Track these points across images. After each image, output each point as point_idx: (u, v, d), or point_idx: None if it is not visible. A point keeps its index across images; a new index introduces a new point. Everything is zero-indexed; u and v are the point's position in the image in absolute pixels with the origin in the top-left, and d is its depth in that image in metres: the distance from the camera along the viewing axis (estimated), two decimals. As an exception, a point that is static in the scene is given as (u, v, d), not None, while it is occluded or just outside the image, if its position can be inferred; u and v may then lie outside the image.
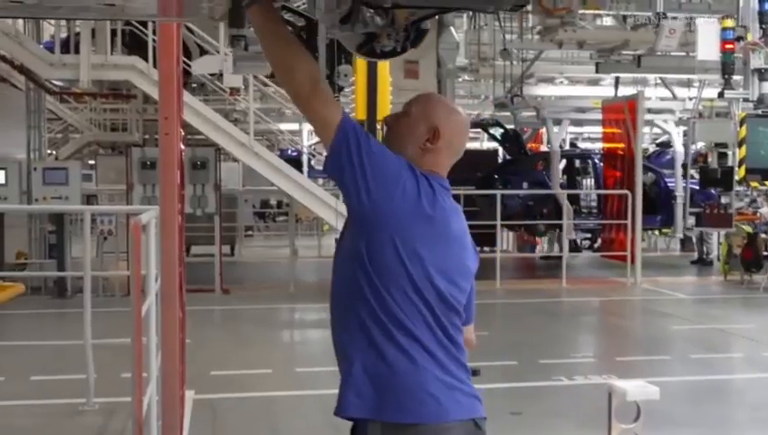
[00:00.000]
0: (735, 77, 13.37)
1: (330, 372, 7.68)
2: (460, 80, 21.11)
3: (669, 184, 16.33)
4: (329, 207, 12.19)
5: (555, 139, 16.17)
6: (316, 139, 23.28)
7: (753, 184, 14.44)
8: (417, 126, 2.59)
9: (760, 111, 13.50)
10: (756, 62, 13.04)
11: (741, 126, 13.78)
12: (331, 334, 2.64)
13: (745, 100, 13.45)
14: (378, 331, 2.46)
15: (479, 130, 19.83)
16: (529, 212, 15.66)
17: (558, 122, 16.29)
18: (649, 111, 16.51)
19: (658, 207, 16.29)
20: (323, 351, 9.28)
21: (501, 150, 21.84)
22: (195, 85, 13.84)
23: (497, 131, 17.96)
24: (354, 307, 2.49)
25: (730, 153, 14.77)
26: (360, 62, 4.99)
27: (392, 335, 2.46)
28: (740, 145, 13.99)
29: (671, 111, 16.78)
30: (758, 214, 15.56)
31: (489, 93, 24.05)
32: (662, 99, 18.20)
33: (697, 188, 15.96)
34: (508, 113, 17.43)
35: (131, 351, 4.09)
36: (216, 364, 8.12)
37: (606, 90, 20.25)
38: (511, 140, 17.36)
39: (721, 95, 13.56)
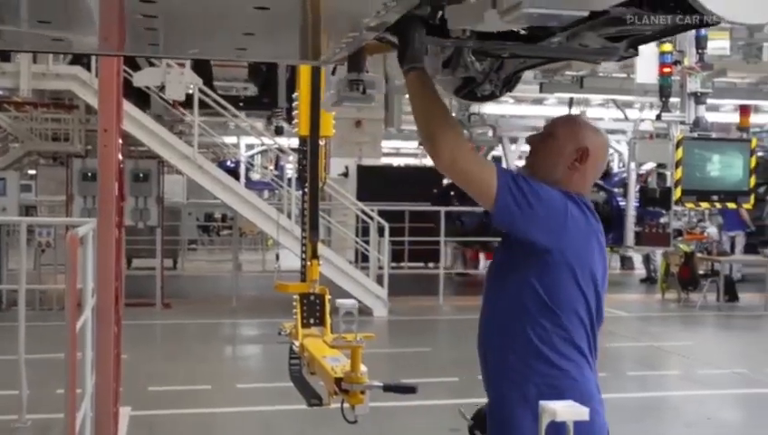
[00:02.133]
0: (673, 99, 13.69)
1: (271, 388, 7.65)
2: (407, 96, 21.23)
3: (621, 203, 16.63)
4: (271, 221, 12.12)
5: (511, 157, 16.39)
6: (255, 150, 23.09)
7: (689, 205, 14.76)
8: (565, 147, 2.66)
9: (696, 134, 13.84)
10: (693, 85, 13.39)
11: (677, 148, 14.08)
12: (483, 366, 2.74)
13: (682, 122, 13.79)
14: (553, 353, 2.55)
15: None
16: (485, 229, 15.74)
17: (514, 141, 16.50)
18: (602, 131, 16.77)
19: (611, 225, 16.56)
20: (264, 366, 9.23)
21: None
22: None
23: None
24: (524, 334, 2.57)
25: (668, 174, 15.09)
26: (303, 78, 4.98)
27: (566, 355, 2.57)
28: (677, 166, 14.30)
29: (623, 132, 17.10)
30: (705, 234, 15.88)
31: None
32: (615, 120, 18.53)
33: (648, 208, 16.26)
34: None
35: (65, 366, 4.02)
36: (155, 380, 8.00)
37: (550, 109, 20.56)
38: None
39: (658, 117, 13.87)
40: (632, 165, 16.05)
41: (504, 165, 16.28)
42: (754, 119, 20.96)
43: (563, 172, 2.64)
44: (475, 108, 17.57)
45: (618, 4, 1.88)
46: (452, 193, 16.81)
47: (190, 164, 12.26)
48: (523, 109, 21.64)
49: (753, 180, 15.03)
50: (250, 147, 23.12)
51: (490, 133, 17.71)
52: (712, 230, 16.17)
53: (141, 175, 12.65)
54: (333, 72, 3.28)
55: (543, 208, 2.50)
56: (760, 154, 18.68)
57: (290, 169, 14.60)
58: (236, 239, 14.78)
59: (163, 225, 13.06)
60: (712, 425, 7.17)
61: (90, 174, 12.17)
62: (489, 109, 18.97)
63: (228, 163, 21.96)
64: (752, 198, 15.20)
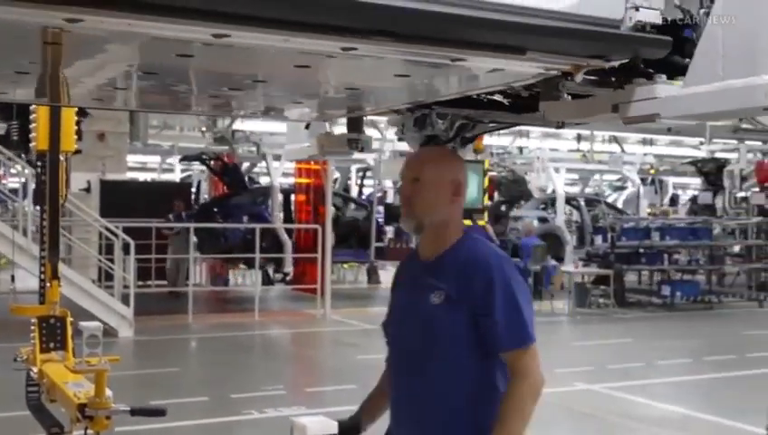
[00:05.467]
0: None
1: (6, 418, 7.12)
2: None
3: (380, 220, 17.23)
4: (4, 238, 11.30)
5: (274, 174, 16.47)
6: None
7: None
8: (441, 184, 2.62)
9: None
10: (434, 108, 14.21)
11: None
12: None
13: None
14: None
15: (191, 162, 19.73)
16: (248, 245, 15.63)
17: (277, 158, 16.59)
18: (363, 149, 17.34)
19: (370, 241, 17.08)
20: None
21: (198, 184, 21.69)
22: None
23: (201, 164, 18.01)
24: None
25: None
26: (43, 89, 4.72)
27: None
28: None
29: (381, 151, 17.74)
30: None
31: (190, 126, 23.79)
32: (376, 139, 19.18)
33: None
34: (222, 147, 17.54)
35: None
36: None
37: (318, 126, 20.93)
38: (231, 173, 17.38)
39: (401, 139, 14.57)
40: (376, 182, 16.74)
41: (276, 183, 16.43)
42: (496, 141, 22.65)
43: (446, 209, 2.64)
44: (238, 124, 17.56)
45: None
46: (215, 209, 16.63)
47: None
48: (280, 126, 21.82)
49: (486, 199, 16.14)
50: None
51: (253, 149, 17.74)
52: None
53: None
54: (307, 127, 3.69)
55: None
56: (503, 174, 20.15)
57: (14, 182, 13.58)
58: (-36, 259, 13.63)
59: None
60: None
61: None
62: (253, 126, 19.00)
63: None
64: (485, 214, 16.31)
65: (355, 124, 3.41)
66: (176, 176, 27.40)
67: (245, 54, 2.24)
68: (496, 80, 2.64)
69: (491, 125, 3.59)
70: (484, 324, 2.52)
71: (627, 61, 2.41)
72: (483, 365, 2.58)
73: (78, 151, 5.00)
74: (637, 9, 2.33)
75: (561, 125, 3.22)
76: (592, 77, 2.56)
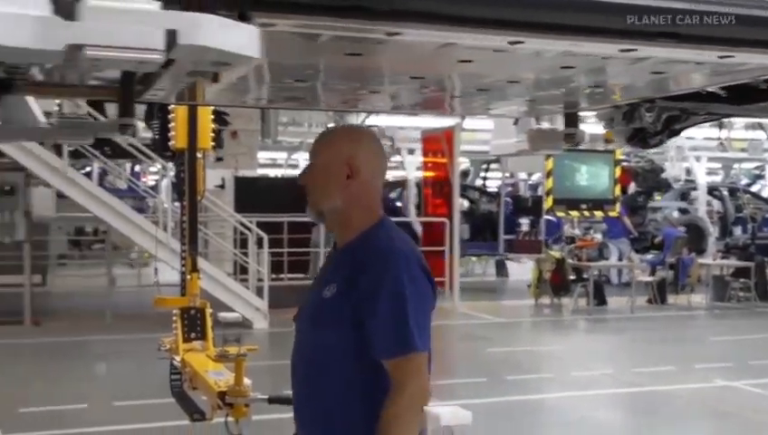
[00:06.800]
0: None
1: (150, 405, 7.47)
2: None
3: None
4: (148, 235, 11.82)
5: (409, 168, 16.59)
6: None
7: (560, 213, 15.30)
8: (330, 167, 2.37)
9: (566, 146, 14.40)
10: (562, 98, 13.93)
11: (548, 159, 14.60)
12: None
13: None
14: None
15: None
16: None
17: (411, 152, 16.73)
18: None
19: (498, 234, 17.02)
20: (142, 383, 8.97)
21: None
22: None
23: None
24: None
25: (539, 184, 15.65)
26: (182, 89, 4.91)
27: None
28: (547, 177, 14.83)
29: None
30: (593, 239, 16.48)
31: (318, 123, 24.22)
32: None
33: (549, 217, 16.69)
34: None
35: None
36: (26, 401, 7.67)
37: (426, 120, 20.92)
38: None
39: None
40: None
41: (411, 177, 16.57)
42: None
43: (341, 195, 2.37)
44: (372, 120, 17.79)
45: None
46: None
47: (59, 176, 11.83)
48: (419, 121, 21.86)
49: (617, 189, 15.74)
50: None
51: (388, 144, 17.92)
52: (598, 236, 16.87)
53: (7, 188, 12.14)
54: (516, 123, 3.77)
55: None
56: (640, 164, 19.61)
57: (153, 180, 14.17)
58: (109, 254, 14.36)
59: (31, 239, 12.56)
60: (586, 424, 7.46)
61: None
62: (386, 121, 19.17)
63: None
64: (617, 205, 15.92)
65: (571, 119, 3.31)
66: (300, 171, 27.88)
67: (524, 59, 2.28)
68: (746, 74, 2.60)
69: (703, 117, 3.52)
70: (367, 327, 2.27)
71: None
72: (372, 368, 2.29)
73: (219, 159, 5.19)
74: None
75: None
76: None
